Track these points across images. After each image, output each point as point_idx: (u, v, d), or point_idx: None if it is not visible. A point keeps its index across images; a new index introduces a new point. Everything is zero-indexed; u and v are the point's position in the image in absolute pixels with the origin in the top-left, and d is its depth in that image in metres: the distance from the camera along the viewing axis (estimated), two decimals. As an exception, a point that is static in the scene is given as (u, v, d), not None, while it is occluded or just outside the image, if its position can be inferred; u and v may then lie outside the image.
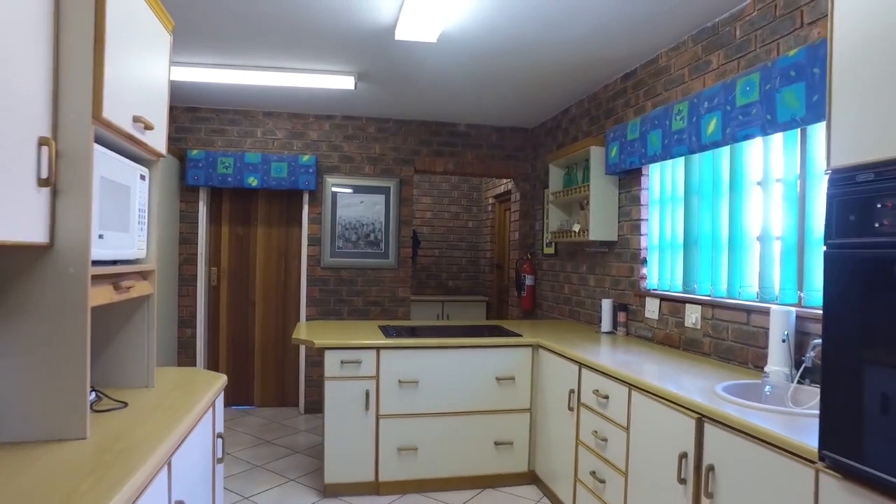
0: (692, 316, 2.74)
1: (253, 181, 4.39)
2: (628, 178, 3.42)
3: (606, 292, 3.62)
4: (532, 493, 3.14)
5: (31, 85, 1.19)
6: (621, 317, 3.35)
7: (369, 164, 4.70)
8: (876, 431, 1.18)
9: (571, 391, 2.74)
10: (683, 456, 1.86)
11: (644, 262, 3.26)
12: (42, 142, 1.23)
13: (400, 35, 2.80)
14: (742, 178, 2.52)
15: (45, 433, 1.30)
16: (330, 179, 4.61)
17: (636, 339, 3.19)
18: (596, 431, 2.50)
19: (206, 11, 2.68)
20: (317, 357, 4.62)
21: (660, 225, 3.18)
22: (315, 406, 4.62)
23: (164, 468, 1.33)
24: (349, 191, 4.65)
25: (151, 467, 1.19)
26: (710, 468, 1.75)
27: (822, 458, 1.33)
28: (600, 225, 3.48)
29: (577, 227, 3.69)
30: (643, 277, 3.26)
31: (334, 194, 4.62)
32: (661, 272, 3.17)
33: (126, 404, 1.60)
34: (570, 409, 2.76)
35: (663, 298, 3.01)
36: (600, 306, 3.60)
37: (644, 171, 3.26)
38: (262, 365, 4.67)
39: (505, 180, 5.98)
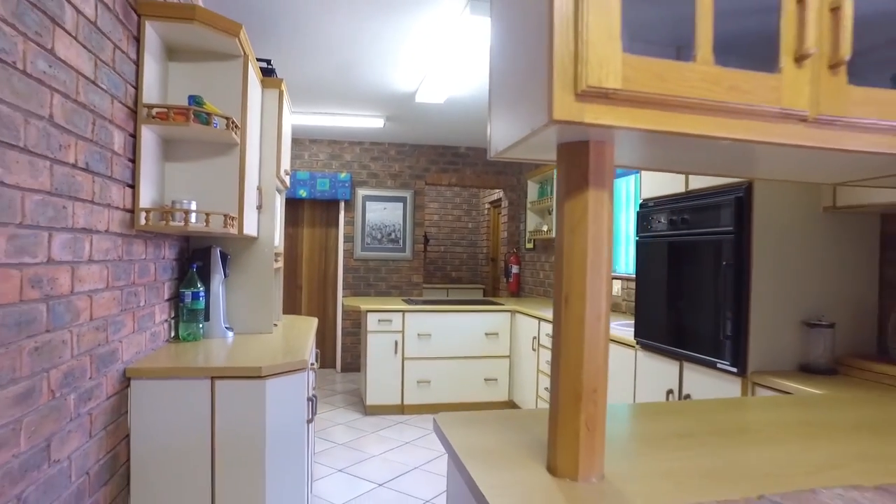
0: (616, 286, 4.09)
1: (303, 193, 5.76)
2: (580, 193, 4.77)
3: (567, 275, 4.97)
4: (510, 413, 4.51)
5: (254, 161, 2.55)
6: (575, 292, 4.69)
7: (391, 179, 6.06)
8: (654, 326, 2.53)
9: (534, 337, 4.10)
10: (588, 360, 3.22)
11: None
12: (259, 188, 2.60)
13: (419, 99, 4.16)
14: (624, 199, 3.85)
15: (256, 330, 2.67)
16: (361, 191, 5.98)
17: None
18: (548, 361, 3.85)
19: (293, 81, 4.04)
20: (350, 328, 5.99)
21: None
22: (349, 366, 5.99)
23: (301, 373, 2.68)
24: (375, 200, 6.01)
25: (307, 350, 2.55)
26: (600, 364, 3.11)
27: (636, 342, 2.69)
28: (561, 226, 4.83)
29: (546, 228, 5.05)
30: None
31: (364, 203, 5.99)
32: (600, 259, 4.52)
33: (276, 325, 2.97)
34: (534, 350, 4.11)
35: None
36: (562, 285, 4.95)
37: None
38: (308, 334, 6.05)
39: (497, 191, 7.32)
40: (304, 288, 6.05)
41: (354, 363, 5.97)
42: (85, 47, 1.50)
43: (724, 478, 0.98)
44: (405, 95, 4.25)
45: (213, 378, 1.91)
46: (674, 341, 2.39)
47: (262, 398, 1.95)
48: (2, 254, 1.15)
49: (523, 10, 0.92)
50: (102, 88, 1.62)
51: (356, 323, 6.00)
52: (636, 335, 2.68)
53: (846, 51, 0.89)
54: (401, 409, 4.44)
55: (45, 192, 1.31)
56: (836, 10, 0.89)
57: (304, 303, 6.04)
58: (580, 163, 0.94)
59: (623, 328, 3.10)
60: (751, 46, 0.97)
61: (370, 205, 6.02)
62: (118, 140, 1.75)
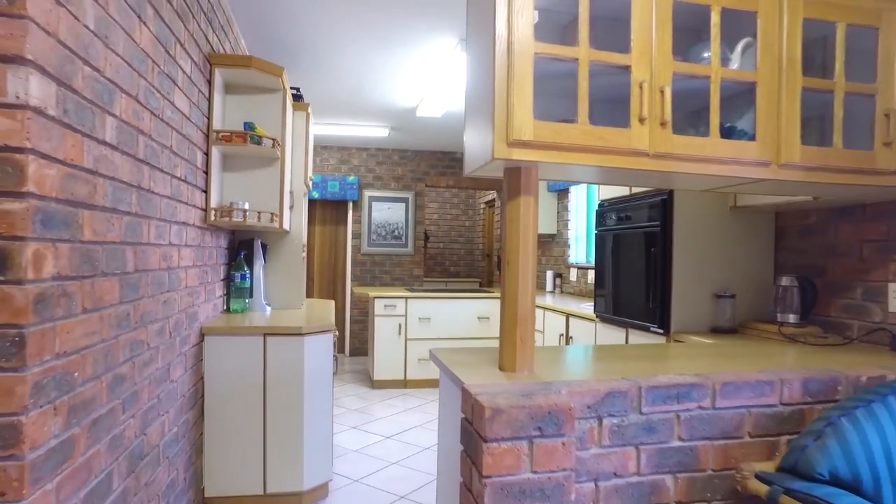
0: (590, 275, 4.72)
1: (315, 194, 6.39)
2: (562, 194, 5.41)
3: (549, 266, 5.61)
4: (500, 387, 5.15)
5: (289, 170, 3.19)
6: (557, 281, 5.34)
7: (394, 182, 6.70)
8: (607, 302, 3.17)
9: (519, 320, 4.73)
10: (561, 334, 3.85)
11: (569, 246, 5.25)
12: (291, 191, 3.24)
13: (419, 113, 4.79)
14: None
15: (288, 306, 3.31)
16: (367, 193, 6.62)
17: (566, 294, 5.17)
18: (530, 339, 4.48)
19: (312, 99, 4.68)
20: (358, 316, 6.63)
21: (576, 223, 5.17)
22: (357, 351, 6.62)
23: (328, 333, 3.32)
24: (380, 201, 6.65)
25: (331, 319, 3.19)
26: (570, 337, 3.74)
27: (596, 315, 3.32)
28: (546, 223, 5.47)
29: (532, 225, 5.68)
30: (569, 256, 5.25)
31: (370, 203, 6.63)
32: (577, 252, 5.16)
33: (302, 304, 3.60)
34: (519, 330, 4.74)
35: (579, 267, 5.00)
36: (545, 275, 5.59)
37: (570, 191, 5.25)
38: (320, 322, 6.69)
39: (491, 192, 7.96)
40: (316, 280, 6.68)
41: (362, 348, 6.60)
42: (185, 94, 2.14)
43: (613, 373, 1.61)
44: (407, 110, 4.88)
45: (265, 335, 2.56)
46: (621, 312, 3.02)
47: (302, 351, 2.59)
48: (152, 237, 1.79)
49: (478, 95, 1.56)
50: (193, 122, 2.26)
51: (363, 311, 6.63)
52: (595, 310, 3.32)
53: (668, 115, 1.53)
54: (404, 384, 5.07)
55: (168, 197, 1.95)
56: (662, 92, 1.53)
57: (315, 294, 6.68)
58: (515, 180, 1.57)
59: (588, 307, 3.74)
60: (612, 113, 1.61)
61: (375, 205, 6.65)
62: (199, 158, 2.39)
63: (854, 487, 1.30)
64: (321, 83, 4.17)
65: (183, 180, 2.14)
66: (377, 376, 5.02)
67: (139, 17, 1.62)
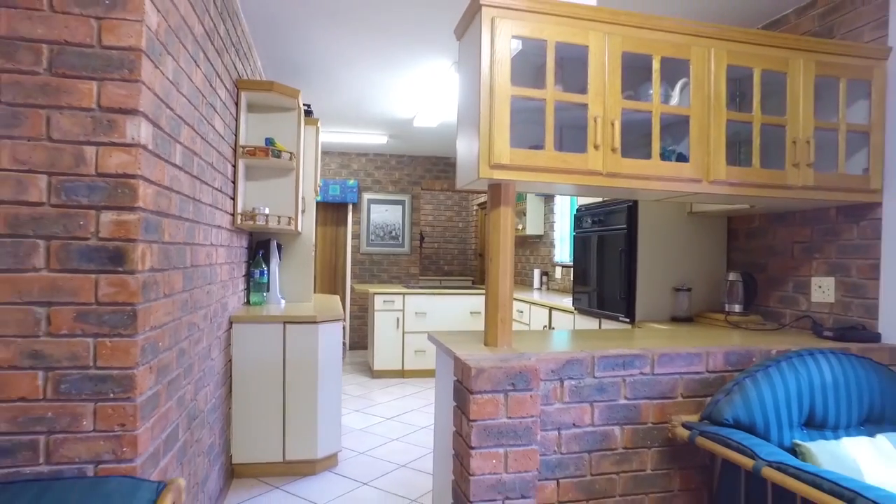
0: (573, 273, 5.14)
1: (317, 197, 6.77)
2: (548, 198, 5.82)
3: (537, 265, 6.03)
4: (490, 377, 5.56)
5: (292, 180, 3.58)
6: (544, 279, 5.75)
7: (392, 185, 7.10)
8: (583, 296, 3.58)
9: (508, 314, 5.14)
10: (545, 325, 4.26)
11: (554, 246, 5.67)
12: (302, 197, 3.63)
13: (416, 123, 5.20)
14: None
15: (299, 299, 3.70)
16: (366, 195, 7.01)
17: (551, 290, 5.59)
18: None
19: (319, 110, 5.07)
20: (357, 312, 7.02)
21: (561, 225, 5.59)
22: (356, 345, 7.01)
23: (337, 322, 3.72)
24: (379, 203, 7.04)
25: (339, 310, 3.58)
26: (553, 327, 4.15)
27: (575, 308, 3.74)
28: (533, 225, 5.89)
29: (521, 226, 6.10)
30: (554, 255, 5.67)
31: (369, 205, 7.02)
32: (562, 252, 5.58)
33: (312, 298, 4.00)
34: (508, 323, 5.16)
35: (563, 266, 5.41)
36: (533, 273, 6.01)
37: (556, 195, 5.66)
38: (321, 318, 7.07)
39: (483, 194, 8.37)
40: (318, 278, 7.07)
41: (361, 342, 7.00)
42: (221, 117, 2.53)
43: (576, 349, 2.02)
44: (405, 120, 5.28)
45: (284, 323, 2.95)
46: (595, 305, 3.44)
47: (316, 337, 2.99)
48: (201, 238, 2.18)
49: (467, 122, 1.96)
50: (225, 140, 2.65)
51: (363, 308, 7.03)
52: (574, 304, 3.73)
53: (617, 143, 1.94)
54: (401, 374, 5.47)
55: (210, 205, 2.34)
56: (612, 124, 1.94)
57: (317, 290, 7.06)
58: (496, 194, 1.97)
59: (569, 302, 4.15)
60: (573, 140, 2.02)
61: (374, 207, 7.05)
62: (229, 170, 2.78)
63: (750, 429, 1.72)
64: (326, 96, 4.56)
65: (219, 190, 2.53)
66: (377, 366, 5.42)
67: (195, 62, 2.02)
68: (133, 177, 1.44)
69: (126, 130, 1.43)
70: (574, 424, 1.87)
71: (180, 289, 1.88)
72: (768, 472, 1.47)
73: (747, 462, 1.54)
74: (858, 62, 2.17)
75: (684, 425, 1.83)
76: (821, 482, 1.33)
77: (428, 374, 5.50)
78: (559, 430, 1.85)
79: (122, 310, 1.44)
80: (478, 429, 1.67)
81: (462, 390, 1.75)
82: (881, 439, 1.72)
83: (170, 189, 1.73)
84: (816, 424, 1.81)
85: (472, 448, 1.66)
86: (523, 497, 1.70)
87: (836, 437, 1.77)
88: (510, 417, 1.70)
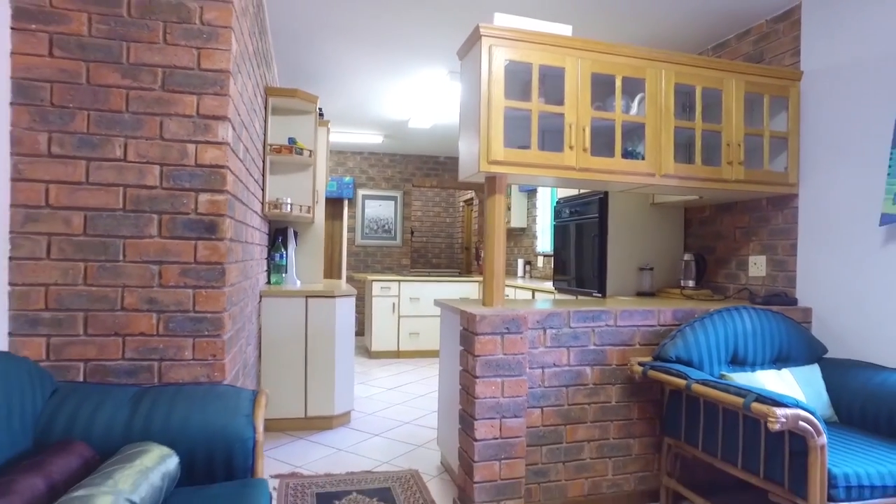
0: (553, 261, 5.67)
1: (329, 185, 7.21)
2: (531, 194, 6.36)
3: (520, 255, 6.56)
4: (479, 357, 6.08)
5: (310, 175, 4.05)
6: (527, 268, 6.28)
7: (385, 182, 7.57)
8: (562, 277, 4.11)
9: (495, 298, 5.66)
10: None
11: (536, 237, 6.20)
12: (316, 190, 4.10)
13: (411, 125, 5.68)
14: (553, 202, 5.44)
15: (312, 281, 4.16)
16: (361, 191, 7.47)
17: (534, 278, 6.12)
18: (504, 313, 5.41)
19: (324, 110, 5.51)
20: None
21: (542, 218, 6.13)
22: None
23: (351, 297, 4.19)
24: (373, 199, 7.50)
25: (350, 291, 4.06)
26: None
27: (555, 289, 4.26)
28: (517, 218, 6.42)
29: (507, 220, 6.62)
30: (536, 246, 6.20)
31: (363, 201, 7.48)
32: (543, 243, 6.12)
33: (321, 280, 4.46)
34: (495, 307, 5.68)
35: (545, 255, 5.95)
36: (517, 262, 6.54)
37: (538, 191, 6.20)
38: (318, 306, 7.52)
39: (470, 191, 8.88)
40: (315, 269, 7.50)
41: (359, 328, 7.45)
42: (258, 119, 2.99)
43: (568, 306, 2.53)
44: (400, 122, 5.76)
45: (307, 297, 3.42)
46: (572, 284, 3.97)
47: (334, 310, 3.46)
48: (248, 219, 2.64)
49: (468, 125, 2.46)
50: (259, 139, 3.11)
51: (359, 297, 7.48)
52: (554, 285, 4.26)
53: (588, 144, 2.45)
54: (397, 354, 5.95)
55: (251, 192, 2.80)
56: (584, 130, 2.45)
57: (314, 281, 7.50)
58: (492, 185, 2.47)
59: (549, 285, 4.68)
60: (553, 141, 2.54)
61: (368, 202, 7.51)
62: (260, 165, 3.24)
63: (688, 364, 2.25)
64: (332, 100, 5.02)
65: (255, 181, 2.99)
66: (374, 348, 5.89)
67: (249, 75, 2.48)
68: (222, 167, 1.91)
69: (217, 132, 1.90)
70: (554, 364, 2.38)
71: (241, 258, 2.35)
72: (696, 388, 2.00)
73: (682, 383, 2.07)
74: (778, 82, 2.73)
75: (639, 363, 2.36)
76: (727, 387, 1.86)
77: (421, 354, 5.99)
78: (543, 369, 2.36)
79: (214, 268, 1.91)
80: (481, 362, 2.17)
81: (468, 335, 2.25)
82: (785, 372, 2.27)
83: (237, 176, 2.19)
84: (739, 361, 2.35)
85: (477, 377, 2.16)
86: (516, 416, 2.20)
87: (753, 371, 2.31)
88: (505, 354, 2.20)
